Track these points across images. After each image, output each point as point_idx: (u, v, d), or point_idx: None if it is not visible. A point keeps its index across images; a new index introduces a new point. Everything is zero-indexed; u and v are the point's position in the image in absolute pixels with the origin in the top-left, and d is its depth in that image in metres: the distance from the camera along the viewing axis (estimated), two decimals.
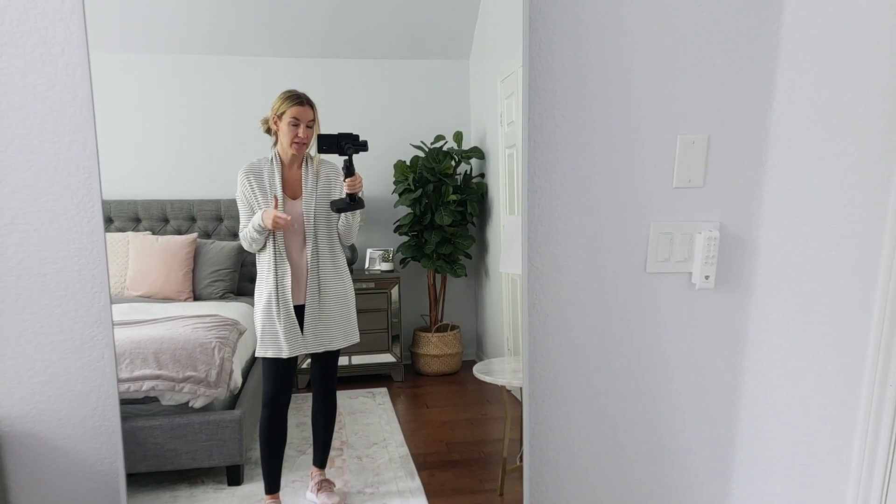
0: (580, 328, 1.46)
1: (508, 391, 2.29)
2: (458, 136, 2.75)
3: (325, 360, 2.35)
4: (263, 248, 2.19)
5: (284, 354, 2.20)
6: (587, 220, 1.36)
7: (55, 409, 1.43)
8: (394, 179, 2.71)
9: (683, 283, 1.46)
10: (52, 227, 1.37)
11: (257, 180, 2.17)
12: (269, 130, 2.21)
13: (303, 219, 2.20)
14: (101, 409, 1.45)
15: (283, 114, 2.16)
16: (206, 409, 1.96)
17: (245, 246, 2.21)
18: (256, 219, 2.15)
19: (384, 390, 2.64)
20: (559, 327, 1.45)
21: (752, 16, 1.39)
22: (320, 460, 2.30)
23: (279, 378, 2.23)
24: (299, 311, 2.24)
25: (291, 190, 2.21)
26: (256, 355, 2.20)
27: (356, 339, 2.36)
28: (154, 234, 2.47)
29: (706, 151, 1.38)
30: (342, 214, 2.23)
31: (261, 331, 2.20)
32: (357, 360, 2.68)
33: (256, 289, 2.23)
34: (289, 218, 2.14)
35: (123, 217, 2.47)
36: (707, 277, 1.40)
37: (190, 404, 1.94)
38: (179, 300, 2.38)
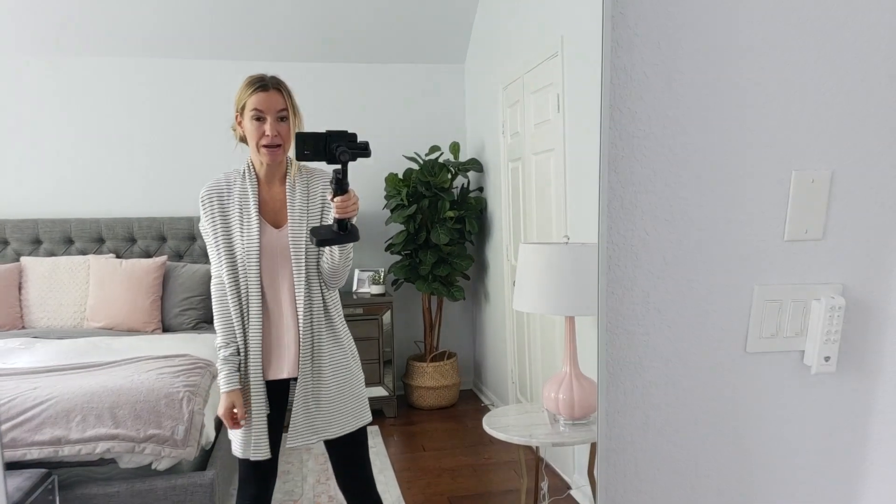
0: (663, 425, 1.16)
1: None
2: (455, 147, 2.56)
3: (344, 449, 1.71)
4: (231, 292, 1.59)
5: (259, 456, 1.60)
6: (673, 286, 1.08)
7: None
8: (385, 194, 2.51)
9: (794, 365, 1.15)
10: None
11: (220, 202, 1.61)
12: (244, 138, 1.65)
13: (289, 254, 1.61)
14: None
15: (244, 107, 1.61)
16: (172, 471, 1.70)
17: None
18: (221, 377, 1.56)
19: (376, 429, 2.41)
20: (638, 422, 1.16)
21: (890, 20, 1.11)
22: None
23: (258, 478, 1.67)
24: (283, 388, 1.66)
25: (272, 214, 1.63)
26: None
27: (368, 417, 1.73)
28: (119, 256, 2.27)
29: (828, 193, 1.11)
30: (326, 249, 1.61)
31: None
32: None
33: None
34: (240, 423, 1.56)
35: (85, 237, 2.27)
36: (827, 359, 1.10)
37: (153, 466, 1.68)
38: (146, 332, 2.17)
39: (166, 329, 2.20)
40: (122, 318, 2.17)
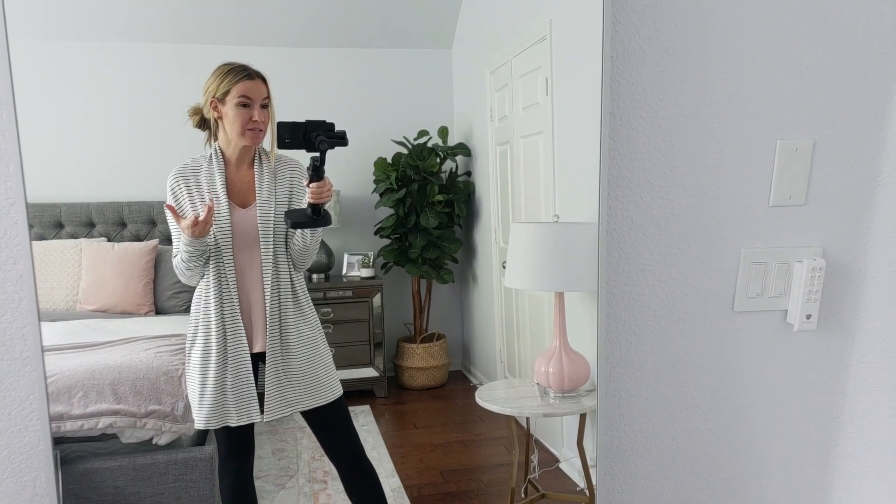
0: (656, 381, 1.22)
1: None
2: (444, 132, 2.58)
3: (323, 419, 1.83)
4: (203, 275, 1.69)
5: (234, 422, 1.72)
6: (667, 249, 1.13)
7: None
8: (374, 178, 2.52)
9: (777, 323, 1.22)
10: None
11: (187, 185, 1.70)
12: (202, 123, 1.74)
13: (258, 233, 1.70)
14: None
15: (226, 94, 1.69)
16: (172, 446, 1.74)
17: (182, 278, 1.71)
18: (183, 238, 1.64)
19: (367, 408, 2.44)
20: (633, 380, 1.21)
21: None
22: None
23: (236, 444, 1.79)
24: (253, 361, 1.75)
25: (240, 195, 1.72)
26: (196, 426, 1.73)
27: (339, 391, 1.85)
28: (110, 240, 2.28)
29: (810, 160, 1.17)
30: (298, 231, 1.70)
31: (198, 391, 1.71)
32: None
33: (189, 331, 1.74)
34: (209, 221, 1.60)
35: (75, 222, 2.27)
36: (809, 317, 1.16)
37: (154, 441, 1.72)
38: (139, 314, 2.18)
39: (159, 311, 2.20)
40: (116, 300, 2.17)
